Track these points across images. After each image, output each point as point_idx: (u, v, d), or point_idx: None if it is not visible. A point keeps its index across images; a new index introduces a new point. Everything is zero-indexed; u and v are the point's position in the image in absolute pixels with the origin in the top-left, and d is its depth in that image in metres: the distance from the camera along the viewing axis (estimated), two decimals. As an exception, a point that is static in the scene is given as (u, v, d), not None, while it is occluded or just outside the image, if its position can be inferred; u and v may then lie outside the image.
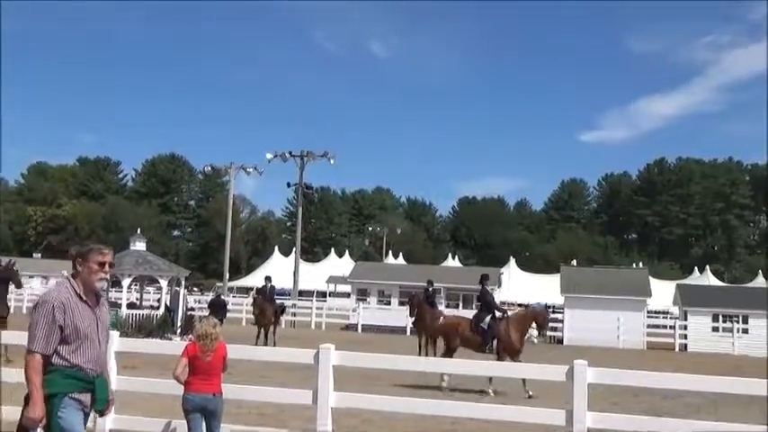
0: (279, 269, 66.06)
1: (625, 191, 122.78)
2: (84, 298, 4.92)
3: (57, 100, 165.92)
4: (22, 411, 4.82)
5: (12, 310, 20.56)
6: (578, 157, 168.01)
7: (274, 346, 21.66)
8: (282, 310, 26.16)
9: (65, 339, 4.77)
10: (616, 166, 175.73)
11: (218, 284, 60.21)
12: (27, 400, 4.83)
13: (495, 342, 15.43)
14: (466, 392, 14.20)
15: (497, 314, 15.95)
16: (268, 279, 25.77)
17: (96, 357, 4.93)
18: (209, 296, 48.31)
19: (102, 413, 5.29)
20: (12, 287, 19.41)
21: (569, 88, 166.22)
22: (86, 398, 4.87)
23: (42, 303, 4.82)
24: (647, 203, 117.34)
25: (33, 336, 4.75)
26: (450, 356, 15.26)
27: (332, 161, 49.78)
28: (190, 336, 22.81)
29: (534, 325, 15.95)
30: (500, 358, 15.02)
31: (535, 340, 16.61)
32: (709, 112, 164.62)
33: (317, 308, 39.34)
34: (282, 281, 54.14)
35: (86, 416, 4.95)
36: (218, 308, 26.13)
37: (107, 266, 5.04)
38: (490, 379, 14.25)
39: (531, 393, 13.75)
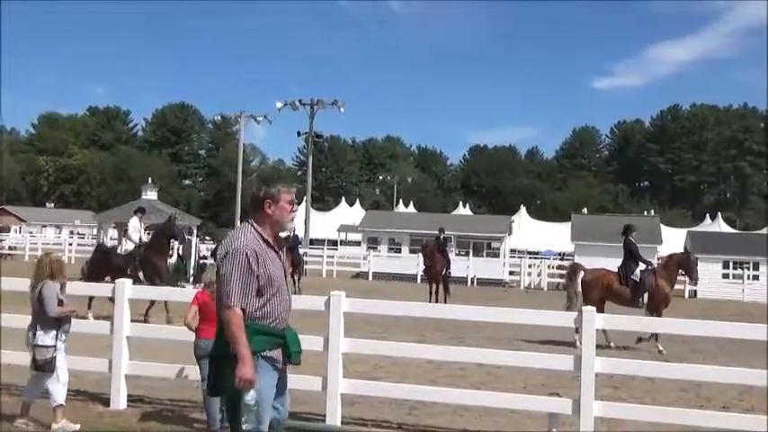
0: (290, 218, 66.21)
1: (637, 138, 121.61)
2: (271, 243, 4.52)
3: (66, 50, 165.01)
4: (212, 373, 4.51)
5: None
6: (591, 105, 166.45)
7: (299, 293, 21.84)
8: (300, 262, 26.01)
9: (258, 290, 4.39)
10: (629, 113, 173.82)
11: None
12: (214, 359, 4.51)
13: (646, 296, 14.87)
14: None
15: (642, 266, 15.30)
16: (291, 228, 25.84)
17: (287, 308, 4.57)
18: (214, 245, 48.65)
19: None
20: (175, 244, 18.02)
21: (582, 34, 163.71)
22: (278, 354, 4.47)
23: (234, 253, 4.35)
24: (659, 151, 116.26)
25: (229, 289, 4.30)
26: (601, 311, 14.82)
27: (342, 110, 49.42)
28: (202, 283, 23.06)
29: (682, 272, 15.40)
30: (651, 312, 14.57)
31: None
32: (725, 57, 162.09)
33: (328, 256, 39.55)
34: (293, 229, 54.41)
35: (280, 372, 4.55)
36: None
37: (295, 204, 4.72)
38: (656, 336, 13.76)
39: (660, 348, 13.61)
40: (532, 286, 35.40)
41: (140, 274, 15.53)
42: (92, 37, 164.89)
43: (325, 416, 7.54)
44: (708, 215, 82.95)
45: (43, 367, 7.02)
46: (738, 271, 34.15)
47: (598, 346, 7.12)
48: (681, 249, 44.14)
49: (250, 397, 4.25)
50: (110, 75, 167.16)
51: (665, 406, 8.23)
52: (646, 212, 69.08)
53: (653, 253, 35.41)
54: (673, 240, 49.76)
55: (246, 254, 4.32)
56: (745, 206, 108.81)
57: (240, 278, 4.30)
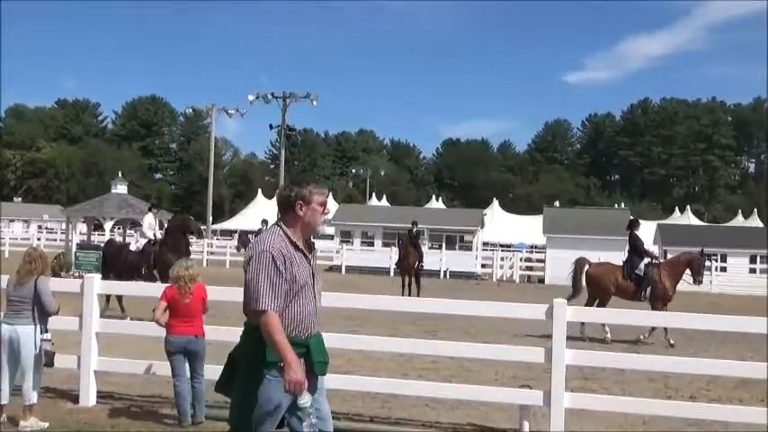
0: (262, 211, 65.93)
1: (608, 132, 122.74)
2: (300, 246, 4.29)
3: (34, 41, 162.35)
4: (228, 371, 4.35)
5: None
6: (563, 98, 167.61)
7: None
8: None
9: (286, 294, 4.17)
10: (600, 106, 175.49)
11: (203, 227, 60.14)
12: (233, 358, 4.34)
13: (648, 289, 14.88)
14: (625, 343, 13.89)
15: (647, 260, 15.30)
16: (264, 222, 25.78)
17: (314, 314, 4.30)
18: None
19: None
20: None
21: (555, 29, 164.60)
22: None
23: (259, 254, 4.15)
24: (630, 144, 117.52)
25: (258, 293, 4.08)
26: (604, 305, 14.52)
27: (314, 103, 49.26)
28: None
29: (688, 271, 15.34)
30: (654, 306, 14.58)
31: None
32: (694, 52, 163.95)
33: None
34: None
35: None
36: None
37: (327, 206, 4.48)
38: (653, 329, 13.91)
39: (671, 342, 13.76)
40: (505, 279, 35.60)
41: (155, 272, 14.92)
42: (60, 28, 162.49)
43: (297, 410, 7.51)
44: (677, 208, 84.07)
45: (51, 363, 7.00)
46: (707, 263, 34.60)
47: (570, 338, 7.20)
48: (651, 241, 44.87)
49: (304, 400, 4.12)
50: (79, 67, 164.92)
51: (635, 397, 8.32)
52: (616, 205, 69.90)
53: (623, 245, 35.86)
54: (643, 233, 50.39)
55: (272, 255, 4.12)
56: (713, 199, 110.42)
57: (269, 281, 4.10)
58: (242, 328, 4.38)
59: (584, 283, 15.59)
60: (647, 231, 50.60)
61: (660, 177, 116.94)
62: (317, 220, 4.34)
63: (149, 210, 16.77)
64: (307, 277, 4.27)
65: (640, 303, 14.86)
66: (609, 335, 14.09)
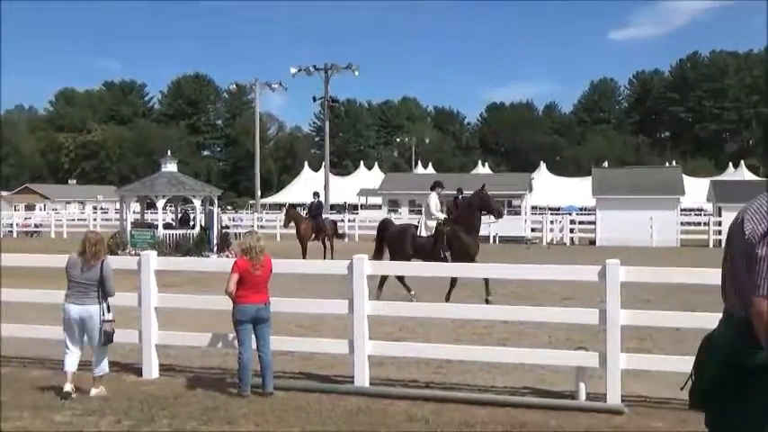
0: (309, 184, 66.51)
1: (657, 88, 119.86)
2: None
3: (78, 25, 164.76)
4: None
5: None
6: (608, 57, 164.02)
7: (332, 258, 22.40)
8: (324, 227, 25.13)
9: None
10: (647, 63, 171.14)
11: (251, 202, 60.94)
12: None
13: None
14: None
15: None
16: (316, 194, 25.90)
17: None
18: (240, 214, 49.06)
19: None
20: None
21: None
22: None
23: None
24: (679, 100, 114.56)
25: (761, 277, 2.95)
26: None
27: (356, 73, 49.16)
28: (226, 253, 23.27)
29: None
30: None
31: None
32: (742, 2, 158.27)
33: (350, 220, 39.63)
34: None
35: None
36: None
37: None
38: None
39: None
40: (555, 242, 35.31)
41: (448, 254, 13.90)
42: (100, 12, 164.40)
43: (353, 378, 7.64)
44: (731, 163, 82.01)
45: (108, 341, 7.43)
46: None
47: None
48: (705, 199, 43.69)
49: None
50: (122, 49, 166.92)
51: (691, 355, 8.23)
52: (667, 163, 68.43)
53: (675, 204, 35.22)
54: (696, 190, 49.45)
55: None
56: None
57: None
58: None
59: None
60: (700, 189, 49.71)
61: (712, 132, 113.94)
62: None
63: (433, 189, 15.06)
64: None
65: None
66: None
